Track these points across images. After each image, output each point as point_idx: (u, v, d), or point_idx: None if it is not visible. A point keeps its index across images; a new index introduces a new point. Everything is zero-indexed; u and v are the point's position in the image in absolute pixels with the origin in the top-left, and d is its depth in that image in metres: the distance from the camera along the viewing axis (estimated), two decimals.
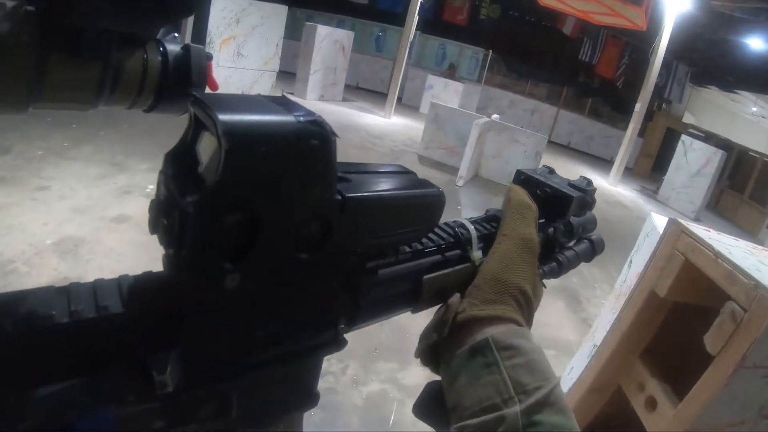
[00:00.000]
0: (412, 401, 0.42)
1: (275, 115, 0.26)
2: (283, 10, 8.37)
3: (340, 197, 0.30)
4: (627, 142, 9.51)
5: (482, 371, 0.36)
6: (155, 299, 0.26)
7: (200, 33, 7.19)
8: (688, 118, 13.29)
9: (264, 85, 8.46)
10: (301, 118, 0.26)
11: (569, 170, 8.88)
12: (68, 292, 0.25)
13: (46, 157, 4.00)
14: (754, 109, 11.97)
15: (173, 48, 0.55)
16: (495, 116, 7.32)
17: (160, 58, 0.53)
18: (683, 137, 9.63)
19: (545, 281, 0.48)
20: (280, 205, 0.27)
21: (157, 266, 0.28)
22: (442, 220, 0.44)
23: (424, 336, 0.41)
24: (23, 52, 0.42)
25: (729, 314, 0.99)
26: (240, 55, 7.88)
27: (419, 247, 0.39)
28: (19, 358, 0.22)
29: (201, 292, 0.26)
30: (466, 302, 0.40)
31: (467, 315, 0.39)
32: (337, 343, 0.35)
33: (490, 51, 13.18)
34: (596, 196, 0.55)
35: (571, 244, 0.53)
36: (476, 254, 0.43)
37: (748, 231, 9.09)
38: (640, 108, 9.28)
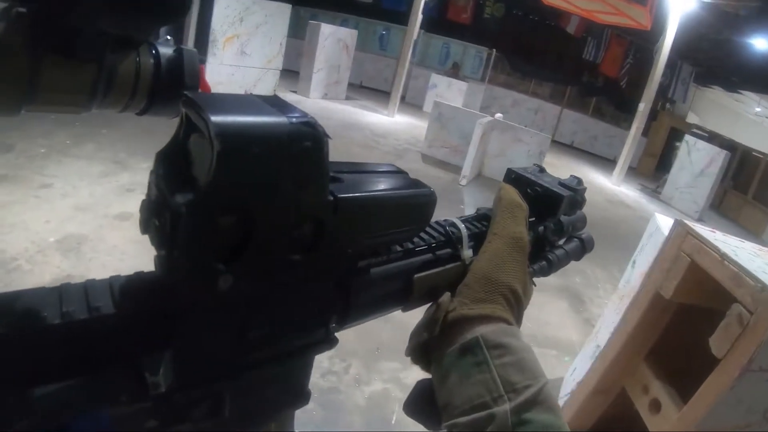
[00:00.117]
0: None
1: (268, 116, 0.26)
2: (286, 8, 8.38)
3: (332, 198, 0.30)
4: (630, 141, 9.50)
5: (472, 370, 0.36)
6: (147, 300, 0.26)
7: (204, 31, 7.21)
8: (692, 118, 13.26)
9: (267, 83, 8.47)
10: (294, 120, 0.26)
11: (572, 170, 8.85)
12: (60, 293, 0.24)
13: (49, 155, 4.02)
14: (758, 109, 11.95)
15: (166, 50, 0.54)
16: (498, 115, 7.30)
17: (152, 60, 0.53)
18: (687, 137, 9.62)
19: (535, 279, 0.49)
20: (272, 207, 0.26)
21: None
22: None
23: (415, 334, 0.41)
24: (15, 54, 0.42)
25: (735, 317, 0.98)
26: (244, 53, 7.88)
27: (410, 246, 0.39)
28: (12, 359, 0.22)
29: (193, 293, 0.26)
30: (457, 301, 0.40)
31: (458, 314, 0.39)
32: (328, 342, 0.35)
33: (494, 50, 13.16)
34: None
35: (561, 242, 0.54)
36: (467, 253, 0.43)
37: (751, 231, 9.05)
38: (643, 107, 9.27)
